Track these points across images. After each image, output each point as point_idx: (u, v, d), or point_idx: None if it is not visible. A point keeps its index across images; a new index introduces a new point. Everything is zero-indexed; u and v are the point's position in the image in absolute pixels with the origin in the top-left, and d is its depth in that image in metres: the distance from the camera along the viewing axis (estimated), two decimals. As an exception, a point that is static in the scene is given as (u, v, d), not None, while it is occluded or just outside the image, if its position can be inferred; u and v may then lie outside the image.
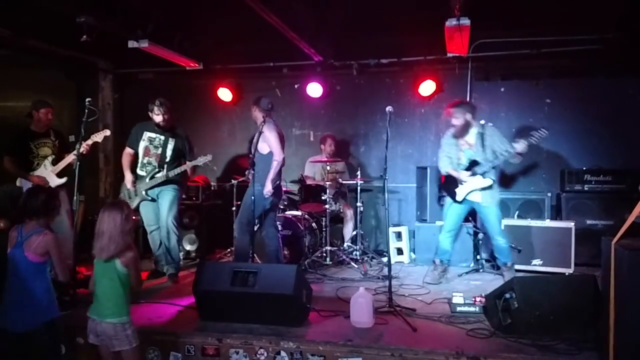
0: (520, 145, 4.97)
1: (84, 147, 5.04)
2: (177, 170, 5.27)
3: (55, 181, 5.29)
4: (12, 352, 3.25)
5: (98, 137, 5.24)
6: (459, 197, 5.30)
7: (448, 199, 5.49)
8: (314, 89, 7.02)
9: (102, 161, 7.85)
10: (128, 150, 5.50)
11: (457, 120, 5.23)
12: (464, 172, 5.23)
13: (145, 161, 5.39)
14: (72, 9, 5.17)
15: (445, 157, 5.41)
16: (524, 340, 3.62)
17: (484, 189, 5.17)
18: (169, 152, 5.39)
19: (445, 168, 5.41)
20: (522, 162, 6.68)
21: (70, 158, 5.22)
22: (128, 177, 5.39)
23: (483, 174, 5.14)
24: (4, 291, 3.24)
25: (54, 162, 5.34)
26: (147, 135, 5.39)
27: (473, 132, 5.23)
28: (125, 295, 3.18)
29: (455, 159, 5.35)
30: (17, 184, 5.26)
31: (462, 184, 5.25)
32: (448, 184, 5.45)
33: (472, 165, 5.19)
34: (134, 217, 6.26)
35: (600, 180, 6.13)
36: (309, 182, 6.54)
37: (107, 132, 5.35)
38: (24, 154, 5.31)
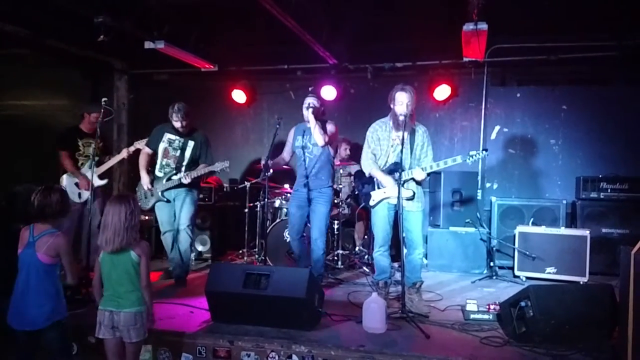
0: (418, 173, 4.39)
1: (125, 153, 5.21)
2: (193, 174, 5.19)
3: (97, 182, 5.39)
4: (20, 350, 3.24)
5: (140, 144, 5.35)
6: (371, 202, 4.61)
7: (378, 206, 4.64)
8: (328, 92, 6.99)
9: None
10: (146, 150, 5.42)
11: (405, 109, 4.38)
12: (388, 177, 4.44)
13: (164, 163, 5.32)
14: (89, 10, 5.22)
15: (371, 153, 4.60)
16: (539, 350, 3.58)
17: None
18: (187, 155, 5.32)
19: (368, 169, 4.58)
20: (537, 169, 6.72)
21: (113, 161, 5.28)
22: (144, 178, 5.32)
23: (404, 183, 4.38)
24: (12, 289, 3.22)
25: (97, 164, 5.42)
26: (167, 136, 5.32)
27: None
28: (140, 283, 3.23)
29: (384, 156, 4.58)
30: (62, 181, 5.46)
31: (380, 187, 4.57)
32: (362, 184, 4.81)
33: (395, 168, 4.45)
34: (146, 217, 6.37)
35: (616, 188, 6.05)
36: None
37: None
38: (72, 150, 5.49)
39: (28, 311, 3.16)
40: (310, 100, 5.15)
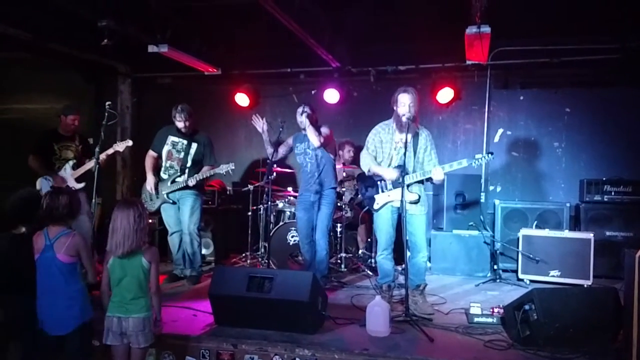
0: (438, 173, 4.35)
1: (103, 156, 5.10)
2: (198, 177, 5.28)
3: (73, 185, 5.36)
4: (47, 354, 3.26)
5: (120, 147, 5.34)
6: (375, 206, 4.61)
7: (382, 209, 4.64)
8: (331, 95, 6.99)
9: (120, 164, 7.91)
10: (151, 153, 5.55)
11: (408, 110, 4.42)
12: (389, 169, 4.45)
13: (168, 165, 5.45)
14: (93, 13, 5.24)
15: (368, 155, 4.63)
16: (543, 353, 3.57)
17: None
18: (190, 157, 5.42)
19: (367, 166, 4.59)
20: (540, 171, 6.71)
21: (90, 164, 5.27)
22: (150, 179, 5.43)
23: (408, 186, 4.34)
24: (36, 295, 3.23)
25: (75, 167, 5.41)
26: (170, 139, 5.43)
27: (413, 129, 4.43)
28: (148, 289, 3.26)
29: (387, 159, 4.57)
30: (37, 184, 5.31)
31: (384, 190, 4.59)
32: (366, 188, 4.74)
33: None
34: (150, 221, 6.37)
35: (620, 191, 6.03)
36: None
37: (129, 143, 5.43)
38: (47, 154, 5.44)
39: (60, 314, 3.19)
40: (303, 107, 5.27)
